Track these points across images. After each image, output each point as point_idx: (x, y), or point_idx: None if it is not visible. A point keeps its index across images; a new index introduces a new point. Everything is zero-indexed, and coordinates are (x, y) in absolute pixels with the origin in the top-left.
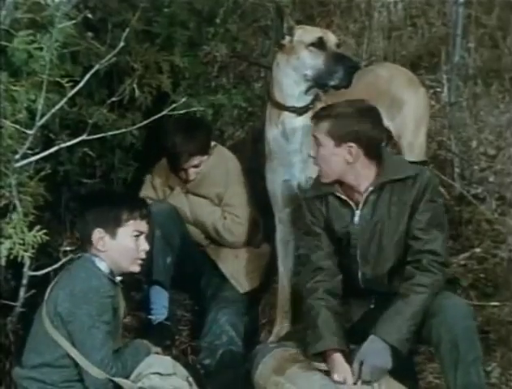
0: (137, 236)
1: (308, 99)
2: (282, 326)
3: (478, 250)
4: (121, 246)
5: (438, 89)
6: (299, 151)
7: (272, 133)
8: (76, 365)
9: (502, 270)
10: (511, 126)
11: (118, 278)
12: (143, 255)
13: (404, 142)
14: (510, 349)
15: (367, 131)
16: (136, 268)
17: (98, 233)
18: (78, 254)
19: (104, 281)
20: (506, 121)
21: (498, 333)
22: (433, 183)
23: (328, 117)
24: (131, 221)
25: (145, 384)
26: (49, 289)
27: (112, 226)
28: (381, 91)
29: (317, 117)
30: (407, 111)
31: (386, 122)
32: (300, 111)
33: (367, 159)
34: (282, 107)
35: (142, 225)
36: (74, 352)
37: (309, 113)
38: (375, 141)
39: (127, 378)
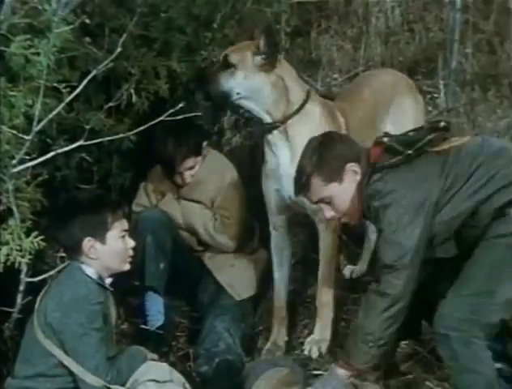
0: (123, 236)
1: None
2: (279, 333)
3: None
4: (112, 250)
5: (435, 95)
6: (287, 165)
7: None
8: (70, 373)
9: None
10: (509, 131)
11: (108, 280)
12: (132, 252)
13: None
14: None
15: (349, 149)
16: (127, 266)
17: (88, 242)
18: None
19: (93, 288)
20: (504, 126)
21: None
22: (378, 192)
23: (310, 174)
24: (117, 223)
25: None
26: (39, 299)
27: (100, 232)
28: (386, 97)
29: (302, 186)
30: (409, 117)
31: (389, 127)
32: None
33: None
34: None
35: (125, 224)
36: (68, 361)
37: (282, 128)
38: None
39: (123, 385)
